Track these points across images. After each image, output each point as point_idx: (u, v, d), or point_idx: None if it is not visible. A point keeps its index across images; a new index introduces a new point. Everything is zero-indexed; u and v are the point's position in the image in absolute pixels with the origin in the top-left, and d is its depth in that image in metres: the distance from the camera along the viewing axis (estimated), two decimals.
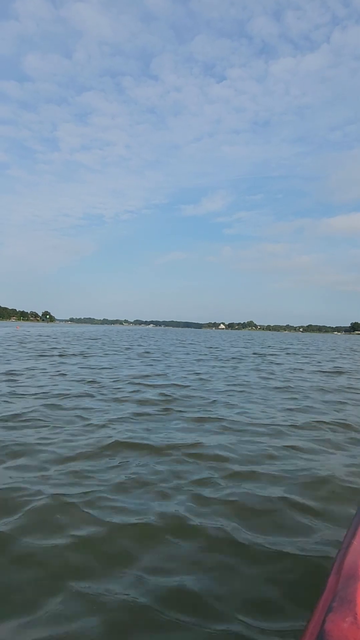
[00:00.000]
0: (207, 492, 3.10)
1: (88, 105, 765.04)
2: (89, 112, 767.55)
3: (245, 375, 10.94)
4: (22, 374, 9.13)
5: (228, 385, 8.95)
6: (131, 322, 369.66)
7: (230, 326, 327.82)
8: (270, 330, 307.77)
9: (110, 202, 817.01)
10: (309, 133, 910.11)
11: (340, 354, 24.50)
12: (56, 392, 6.99)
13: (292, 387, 8.87)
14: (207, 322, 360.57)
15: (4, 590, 1.94)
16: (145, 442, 4.27)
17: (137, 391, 7.49)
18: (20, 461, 3.65)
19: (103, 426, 4.89)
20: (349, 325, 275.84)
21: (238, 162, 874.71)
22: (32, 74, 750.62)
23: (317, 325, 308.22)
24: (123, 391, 7.44)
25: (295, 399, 7.53)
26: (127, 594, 1.92)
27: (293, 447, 4.34)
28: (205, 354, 19.29)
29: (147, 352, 18.71)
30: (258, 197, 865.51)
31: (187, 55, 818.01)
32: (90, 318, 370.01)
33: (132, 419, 5.37)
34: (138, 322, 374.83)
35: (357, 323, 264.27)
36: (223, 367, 13.22)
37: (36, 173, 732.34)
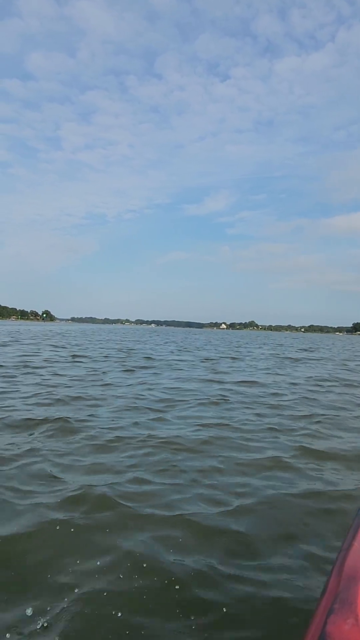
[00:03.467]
0: None
1: (91, 104, 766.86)
2: (92, 111, 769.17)
3: None
4: None
5: None
6: (132, 322, 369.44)
7: (232, 326, 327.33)
8: (271, 330, 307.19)
9: (112, 201, 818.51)
10: (313, 133, 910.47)
11: None
12: None
13: None
14: (209, 322, 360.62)
15: None
16: None
17: None
18: None
19: None
20: (351, 325, 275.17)
21: (241, 161, 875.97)
22: (35, 72, 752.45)
23: (318, 326, 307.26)
24: None
25: None
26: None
27: None
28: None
29: None
30: (261, 196, 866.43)
31: (191, 54, 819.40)
32: (91, 317, 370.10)
33: None
34: (139, 322, 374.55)
35: (358, 324, 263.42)
36: None
37: (39, 172, 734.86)
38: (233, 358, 16.96)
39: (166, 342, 28.44)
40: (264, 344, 35.53)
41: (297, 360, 17.44)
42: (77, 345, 21.80)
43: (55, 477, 3.27)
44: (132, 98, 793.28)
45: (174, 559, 2.22)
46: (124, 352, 18.20)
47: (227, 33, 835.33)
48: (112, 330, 74.77)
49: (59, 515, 2.60)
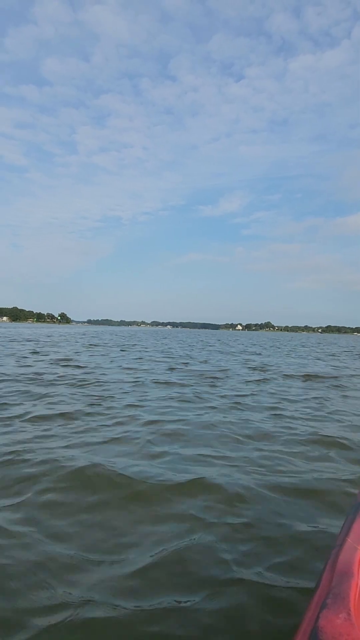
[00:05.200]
0: None
1: (106, 107, 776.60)
2: (106, 114, 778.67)
3: None
4: None
5: None
6: (148, 324, 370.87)
7: (248, 327, 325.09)
8: (287, 331, 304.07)
9: (127, 203, 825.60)
10: (328, 131, 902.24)
11: None
12: None
13: None
14: (225, 323, 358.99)
15: None
16: None
17: None
18: None
19: None
20: None
21: (256, 161, 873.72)
22: (50, 77, 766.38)
23: (336, 326, 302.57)
24: None
25: None
26: None
27: None
28: None
29: None
30: (276, 197, 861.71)
31: (204, 55, 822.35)
32: (107, 319, 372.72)
33: None
34: (155, 324, 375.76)
35: None
36: None
37: (54, 176, 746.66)
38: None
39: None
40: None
41: None
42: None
43: None
44: (146, 100, 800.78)
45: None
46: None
47: (241, 33, 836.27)
48: (128, 331, 75.26)
49: None
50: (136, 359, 15.17)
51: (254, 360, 16.31)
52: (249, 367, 13.23)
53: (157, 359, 15.18)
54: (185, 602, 1.91)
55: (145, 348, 22.97)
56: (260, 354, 21.76)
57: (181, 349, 23.73)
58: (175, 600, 1.92)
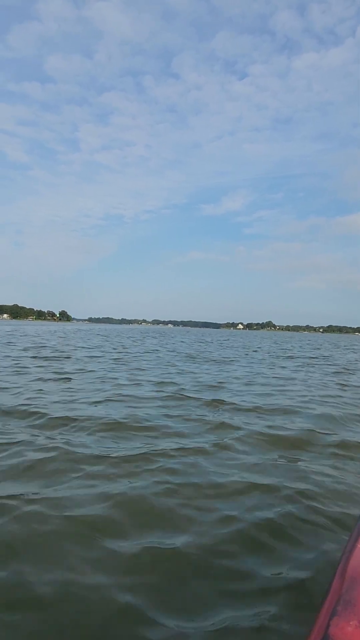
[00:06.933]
0: None
1: (109, 105, 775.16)
2: (109, 112, 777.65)
3: None
4: None
5: None
6: (149, 322, 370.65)
7: (249, 326, 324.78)
8: (289, 330, 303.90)
9: (130, 202, 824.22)
10: (331, 129, 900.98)
11: None
12: None
13: None
14: (226, 322, 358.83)
15: None
16: None
17: None
18: None
19: None
20: None
21: (259, 160, 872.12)
22: (53, 74, 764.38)
23: (337, 326, 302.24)
24: None
25: None
26: None
27: None
28: None
29: None
30: (279, 195, 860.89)
31: (208, 53, 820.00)
32: (108, 318, 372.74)
33: None
34: (156, 322, 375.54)
35: None
36: None
37: (57, 174, 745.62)
38: None
39: None
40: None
41: None
42: None
43: None
44: (149, 98, 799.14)
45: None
46: None
47: (245, 30, 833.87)
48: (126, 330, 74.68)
49: None
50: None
51: None
52: None
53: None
54: (189, 599, 1.89)
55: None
56: None
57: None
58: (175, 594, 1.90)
